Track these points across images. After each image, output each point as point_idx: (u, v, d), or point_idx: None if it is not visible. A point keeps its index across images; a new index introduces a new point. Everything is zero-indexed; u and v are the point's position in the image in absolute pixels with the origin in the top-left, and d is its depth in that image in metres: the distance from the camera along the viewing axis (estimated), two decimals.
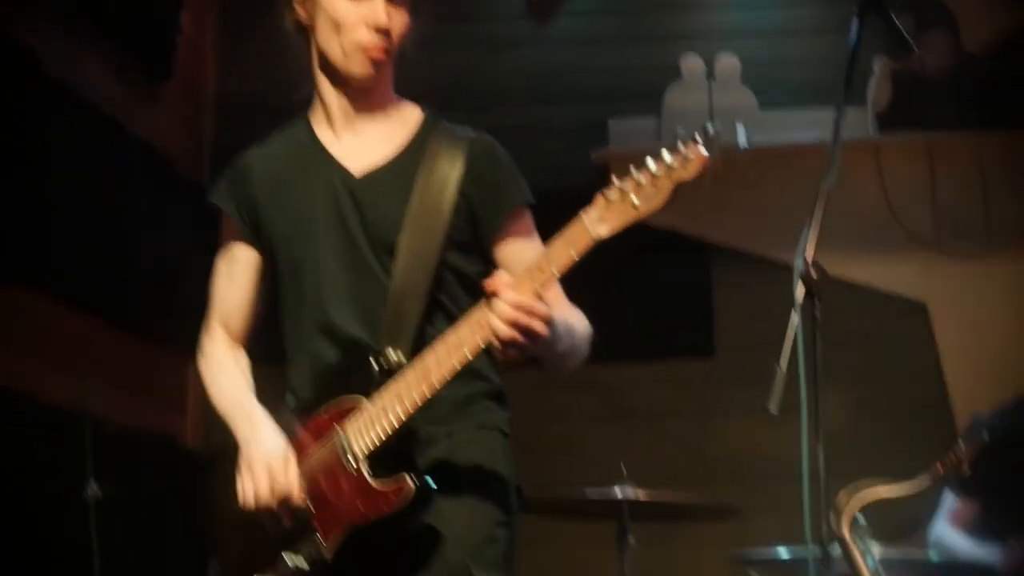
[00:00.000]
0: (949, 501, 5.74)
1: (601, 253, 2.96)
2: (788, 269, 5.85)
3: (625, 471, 5.00)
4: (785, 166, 6.34)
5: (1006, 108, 6.70)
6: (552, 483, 6.02)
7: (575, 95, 6.94)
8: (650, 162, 2.95)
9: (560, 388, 5.97)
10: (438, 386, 3.07)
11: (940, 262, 6.65)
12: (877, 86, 6.66)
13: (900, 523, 6.18)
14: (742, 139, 6.69)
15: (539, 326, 2.95)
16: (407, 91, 3.47)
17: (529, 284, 2.95)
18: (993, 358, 6.39)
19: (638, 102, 6.85)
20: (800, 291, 3.88)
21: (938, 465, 3.87)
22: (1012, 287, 6.49)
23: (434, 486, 3.17)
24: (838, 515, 3.84)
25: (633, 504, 4.95)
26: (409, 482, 3.11)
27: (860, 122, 6.70)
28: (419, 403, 3.08)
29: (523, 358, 3.02)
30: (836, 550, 3.84)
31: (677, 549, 6.22)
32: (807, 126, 6.51)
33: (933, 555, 5.40)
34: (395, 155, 3.37)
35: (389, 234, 3.28)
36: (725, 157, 6.58)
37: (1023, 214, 6.66)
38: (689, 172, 2.94)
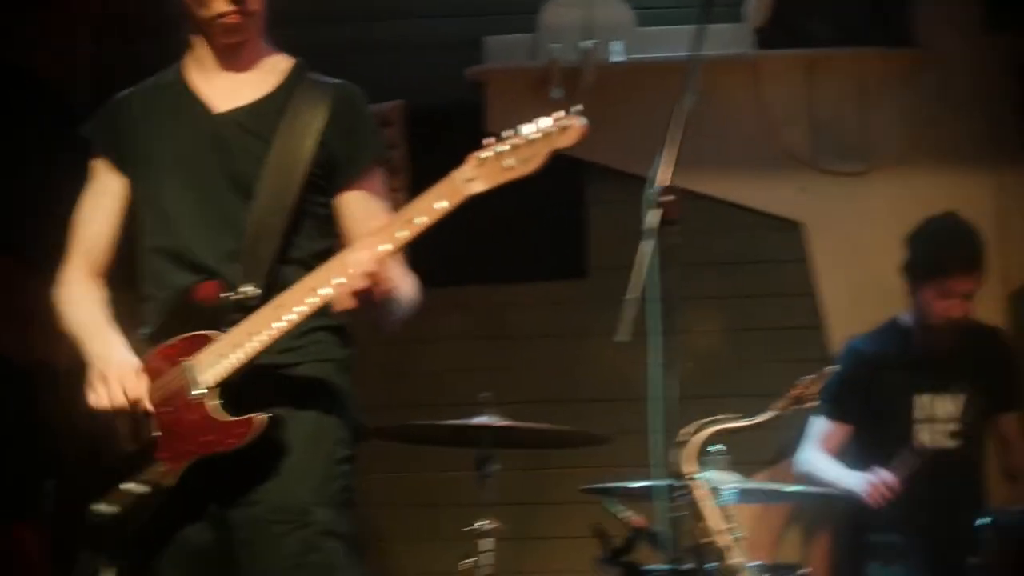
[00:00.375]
0: (819, 424, 5.70)
1: None
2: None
3: (489, 397, 4.92)
4: (662, 82, 6.19)
5: (887, 25, 6.59)
6: (422, 406, 6.02)
7: (451, 11, 6.75)
8: (527, 127, 3.06)
9: (431, 311, 5.81)
10: (288, 327, 3.15)
11: (817, 181, 6.55)
12: (756, 1, 6.51)
13: (774, 448, 6.23)
14: (618, 55, 6.64)
15: (386, 284, 3.08)
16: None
17: (392, 231, 3.07)
18: (869, 279, 6.29)
19: (515, 18, 6.66)
20: (654, 217, 3.86)
21: (784, 397, 3.79)
22: (889, 207, 6.37)
23: (277, 422, 3.22)
24: (683, 450, 3.76)
25: (497, 430, 4.87)
26: (254, 417, 3.16)
27: (739, 38, 6.57)
28: (269, 341, 3.15)
29: (361, 311, 3.11)
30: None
31: (543, 475, 6.16)
32: (686, 42, 6.35)
33: (791, 485, 5.35)
34: (260, 98, 3.48)
35: (249, 173, 3.37)
36: (601, 73, 6.54)
37: (902, 132, 6.56)
38: (566, 140, 3.08)
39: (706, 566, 3.79)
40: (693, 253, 6.28)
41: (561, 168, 6.23)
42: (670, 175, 3.97)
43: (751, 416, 3.82)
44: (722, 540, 3.73)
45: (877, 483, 5.26)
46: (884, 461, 5.37)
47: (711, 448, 4.58)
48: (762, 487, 4.88)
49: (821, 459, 5.65)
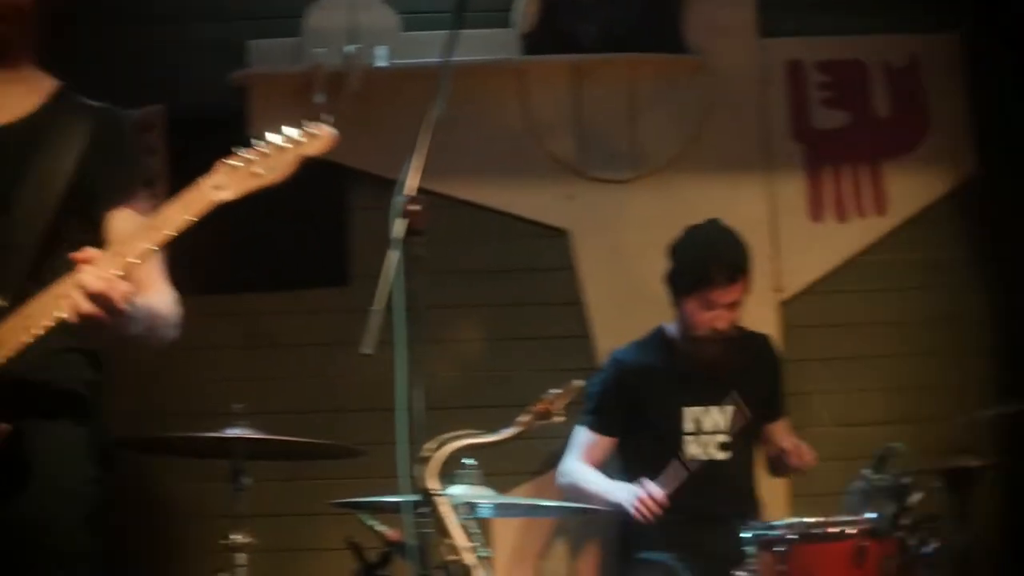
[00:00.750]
0: (582, 435, 5.65)
1: None
2: (427, 193, 5.73)
3: (242, 408, 4.85)
4: (425, 87, 6.04)
5: (657, 31, 6.56)
6: (178, 415, 5.84)
7: (217, 14, 6.57)
8: (274, 135, 3.07)
9: (191, 319, 5.69)
10: (31, 340, 3.05)
11: (585, 188, 6.49)
12: (524, 6, 6.45)
13: (540, 458, 6.16)
14: (380, 59, 6.51)
15: (119, 304, 2.97)
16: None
17: (137, 244, 3.02)
18: (636, 288, 6.26)
19: (281, 22, 6.51)
20: (400, 226, 3.93)
21: (529, 412, 3.71)
22: (658, 215, 6.31)
23: (23, 436, 3.13)
24: (426, 466, 3.67)
25: (250, 442, 4.78)
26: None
27: (506, 44, 6.50)
28: (15, 351, 3.04)
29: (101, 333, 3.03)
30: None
31: (297, 487, 6.02)
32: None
33: (551, 500, 5.29)
34: (22, 117, 3.35)
35: (4, 191, 3.23)
36: (365, 77, 6.41)
37: (672, 139, 6.52)
38: (316, 148, 3.13)
39: None
40: (457, 260, 6.36)
41: (324, 174, 6.25)
42: (417, 183, 3.88)
43: (495, 432, 3.72)
44: (468, 558, 3.62)
45: (644, 497, 5.21)
46: (652, 474, 5.33)
47: (465, 461, 4.53)
48: (519, 502, 4.82)
49: (585, 471, 5.59)
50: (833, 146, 6.60)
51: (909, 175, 6.58)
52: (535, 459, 6.18)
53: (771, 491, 5.98)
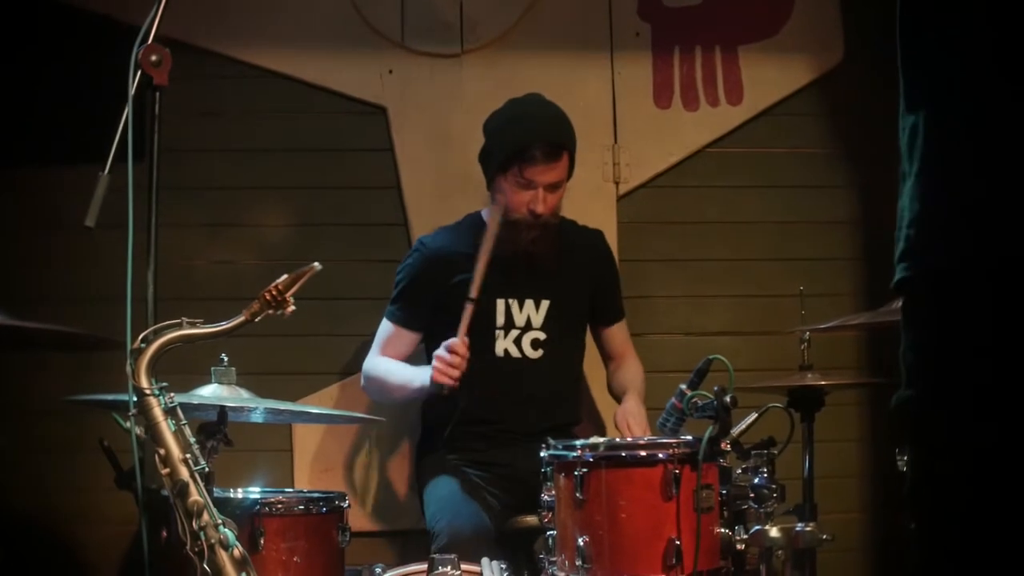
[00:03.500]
0: (384, 328, 5.14)
1: None
2: (234, 62, 5.06)
3: None
4: None
5: None
6: None
7: None
8: None
9: None
10: None
11: (405, 62, 5.85)
12: None
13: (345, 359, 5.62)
14: None
15: None
16: None
17: None
18: (457, 174, 5.72)
19: None
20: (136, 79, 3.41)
21: (257, 299, 3.09)
22: (483, 94, 5.71)
23: None
24: (136, 360, 3.04)
25: None
26: None
27: None
28: None
29: None
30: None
31: (45, 379, 5.43)
32: None
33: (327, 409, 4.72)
34: None
35: None
36: None
37: (503, 11, 5.90)
38: None
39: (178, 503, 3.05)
40: (266, 138, 5.70)
41: (117, 36, 5.60)
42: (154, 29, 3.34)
43: (218, 323, 3.10)
44: (182, 472, 3.00)
45: (440, 355, 4.69)
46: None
47: (223, 358, 3.95)
48: (286, 408, 4.17)
49: (386, 364, 5.04)
50: (684, 27, 6.01)
51: (768, 63, 6.02)
52: (339, 360, 5.70)
53: (605, 404, 5.48)
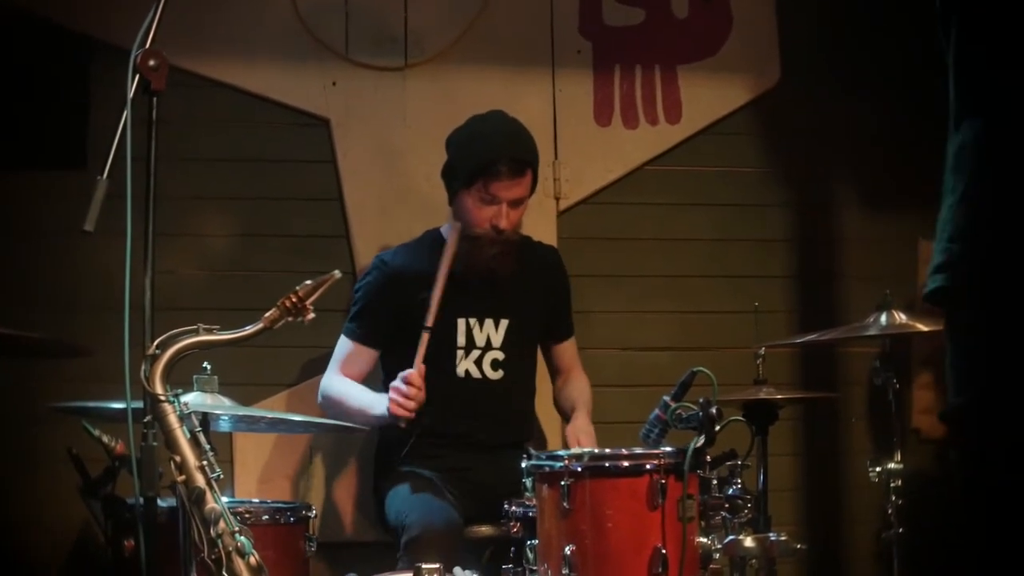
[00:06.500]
0: (343, 346, 5.11)
1: None
2: (181, 71, 5.03)
3: None
4: None
5: None
6: None
7: None
8: None
9: None
10: None
11: (349, 74, 5.85)
12: None
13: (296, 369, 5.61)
14: None
15: None
16: None
17: None
18: (400, 187, 5.77)
19: None
20: (134, 83, 3.44)
21: (276, 307, 3.10)
22: (426, 107, 5.80)
23: None
24: (151, 366, 3.03)
25: None
26: None
27: None
28: None
29: None
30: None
31: (15, 387, 5.31)
32: None
33: (300, 416, 4.70)
34: None
35: None
36: None
37: (447, 26, 5.92)
38: None
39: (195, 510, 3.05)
40: (208, 148, 5.68)
41: (65, 44, 5.56)
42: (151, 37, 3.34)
43: (237, 329, 3.11)
44: (198, 479, 3.00)
45: (396, 386, 4.69)
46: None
47: (206, 366, 3.95)
48: (264, 415, 4.18)
49: (345, 385, 5.02)
50: (625, 45, 6.07)
51: (706, 82, 6.11)
52: (290, 370, 5.70)
53: (549, 417, 5.53)
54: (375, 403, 4.86)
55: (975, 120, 2.41)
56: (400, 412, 4.65)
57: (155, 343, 3.06)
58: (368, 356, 5.11)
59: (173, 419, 3.02)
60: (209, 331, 3.09)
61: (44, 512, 5.35)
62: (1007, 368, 2.36)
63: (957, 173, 2.44)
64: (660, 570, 3.75)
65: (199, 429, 3.06)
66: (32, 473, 5.36)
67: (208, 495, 3.00)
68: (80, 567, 5.39)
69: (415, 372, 4.67)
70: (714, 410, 3.83)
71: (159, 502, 3.35)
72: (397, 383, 4.68)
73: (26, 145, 5.66)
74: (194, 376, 3.91)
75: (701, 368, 4.07)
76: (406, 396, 4.64)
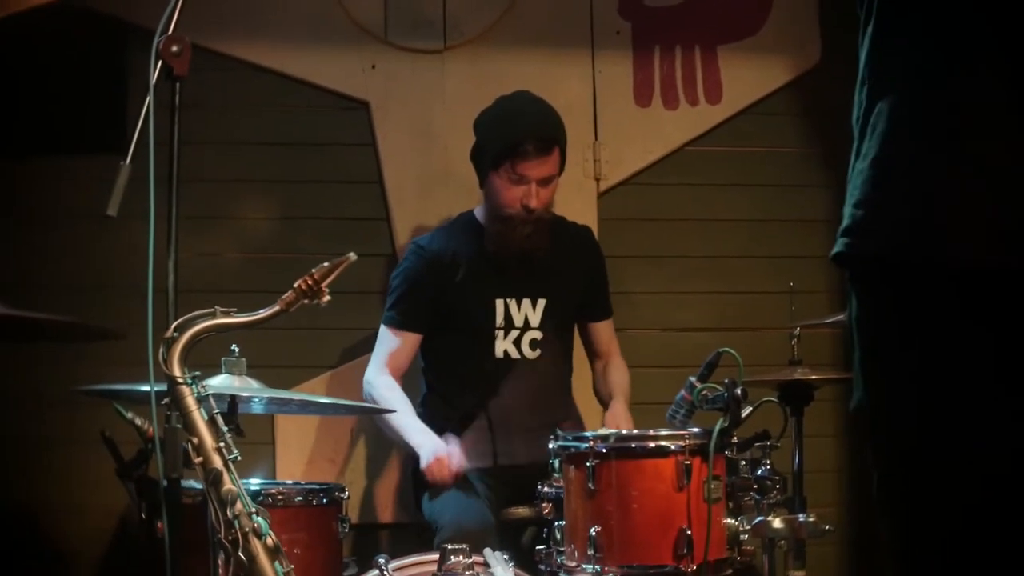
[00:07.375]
0: (385, 337, 5.13)
1: None
2: (222, 56, 5.05)
3: None
4: None
5: None
6: None
7: None
8: None
9: None
10: None
11: (388, 57, 5.86)
12: None
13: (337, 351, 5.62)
14: None
15: None
16: None
17: None
18: (439, 169, 5.78)
19: None
20: (157, 70, 3.34)
21: (293, 289, 3.11)
22: (465, 90, 5.79)
23: None
24: (169, 349, 3.05)
25: None
26: None
27: None
28: None
29: None
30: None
31: (49, 371, 5.40)
32: None
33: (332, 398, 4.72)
34: None
35: None
36: None
37: (486, 8, 5.92)
38: None
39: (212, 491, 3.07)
40: (248, 131, 5.70)
41: (104, 31, 5.59)
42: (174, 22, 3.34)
43: (253, 312, 3.12)
44: (216, 460, 3.02)
45: (443, 457, 4.72)
46: (461, 374, 5.05)
47: (234, 348, 3.95)
48: (293, 396, 4.19)
49: (394, 398, 4.98)
50: (665, 26, 6.04)
51: (747, 62, 6.08)
52: (332, 352, 5.73)
53: (588, 399, 5.47)
54: (416, 436, 4.87)
55: (899, 90, 2.31)
56: (433, 478, 4.71)
57: (173, 326, 3.06)
58: (411, 342, 5.11)
59: (191, 401, 3.03)
60: (226, 314, 3.09)
61: (87, 495, 5.39)
62: (905, 358, 2.29)
63: (869, 136, 2.30)
64: (685, 551, 3.76)
65: (217, 411, 3.06)
66: (69, 456, 5.41)
67: (225, 476, 3.01)
68: (122, 548, 5.44)
69: (460, 466, 4.72)
70: (739, 391, 3.82)
71: (193, 484, 3.39)
72: (448, 454, 4.73)
73: (65, 130, 5.70)
74: (222, 359, 3.91)
75: (727, 348, 4.06)
76: (443, 476, 4.69)
